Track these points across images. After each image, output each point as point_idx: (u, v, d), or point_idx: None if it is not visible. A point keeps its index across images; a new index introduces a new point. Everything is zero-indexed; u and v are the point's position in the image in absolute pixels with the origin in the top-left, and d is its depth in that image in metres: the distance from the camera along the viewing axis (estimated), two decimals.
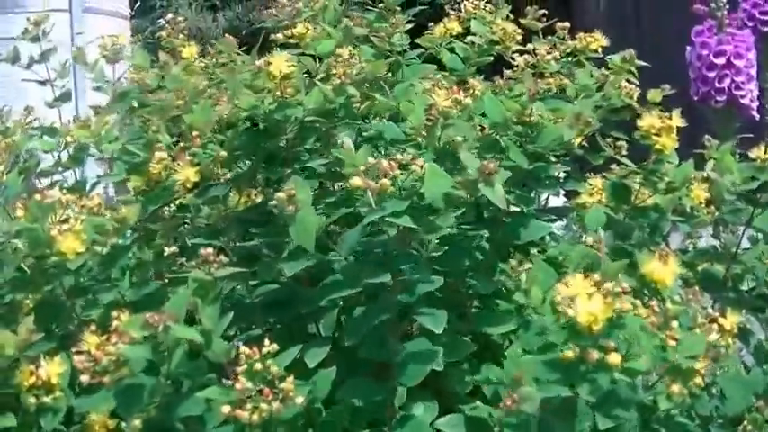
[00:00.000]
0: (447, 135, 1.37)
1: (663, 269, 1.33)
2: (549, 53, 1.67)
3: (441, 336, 1.35)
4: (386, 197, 1.24)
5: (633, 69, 1.75)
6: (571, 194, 1.81)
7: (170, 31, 1.79)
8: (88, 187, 1.77)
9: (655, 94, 1.69)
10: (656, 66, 1.89)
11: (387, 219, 1.24)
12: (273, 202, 1.24)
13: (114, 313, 1.23)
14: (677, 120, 1.51)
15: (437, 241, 1.43)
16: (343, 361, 1.38)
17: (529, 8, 1.89)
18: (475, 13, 1.84)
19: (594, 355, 1.14)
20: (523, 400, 1.14)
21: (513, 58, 1.68)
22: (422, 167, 1.27)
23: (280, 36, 1.59)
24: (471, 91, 1.52)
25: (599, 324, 1.11)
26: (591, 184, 1.69)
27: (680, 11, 2.41)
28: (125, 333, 1.20)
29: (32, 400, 1.36)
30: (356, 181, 1.25)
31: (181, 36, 1.78)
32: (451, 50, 1.82)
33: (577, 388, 1.15)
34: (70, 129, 1.74)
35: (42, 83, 2.00)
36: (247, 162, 1.53)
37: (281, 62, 1.42)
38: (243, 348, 1.18)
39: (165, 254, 1.56)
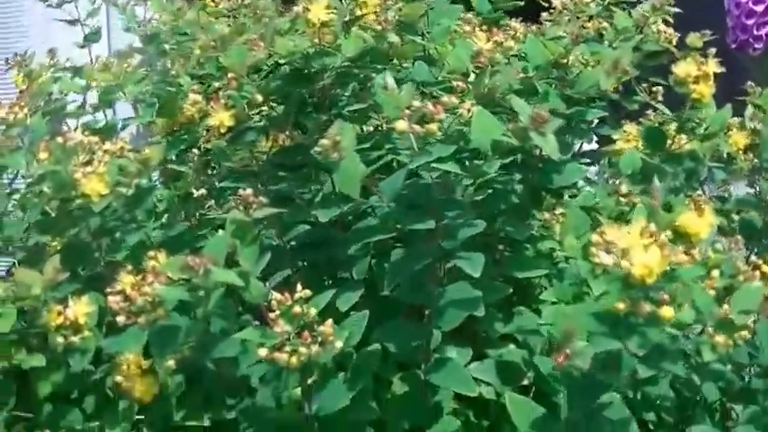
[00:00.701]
0: (493, 81, 1.33)
1: (698, 220, 1.30)
2: None
3: (476, 280, 1.32)
4: (431, 142, 1.21)
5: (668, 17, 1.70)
6: (603, 141, 1.79)
7: None
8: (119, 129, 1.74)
9: (694, 39, 1.65)
10: (691, 12, 1.85)
11: (432, 164, 1.21)
12: (317, 149, 1.20)
13: (151, 253, 1.20)
14: (714, 66, 1.47)
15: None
16: (374, 305, 1.36)
17: None
18: None
19: (647, 308, 1.11)
20: (576, 355, 1.11)
21: (548, 0, 1.64)
22: (469, 111, 1.23)
23: None
24: (513, 33, 1.47)
25: (653, 277, 1.08)
26: (626, 131, 1.65)
27: None
28: (161, 274, 1.17)
29: (60, 340, 1.35)
30: (401, 125, 1.20)
31: None
32: None
33: (626, 341, 1.12)
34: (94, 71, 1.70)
35: (72, 22, 1.95)
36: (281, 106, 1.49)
37: (319, 9, 1.38)
38: (276, 295, 1.16)
39: (195, 195, 1.52)
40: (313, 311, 1.15)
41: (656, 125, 1.57)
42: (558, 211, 1.50)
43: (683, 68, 1.46)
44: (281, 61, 1.42)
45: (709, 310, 1.12)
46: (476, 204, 1.39)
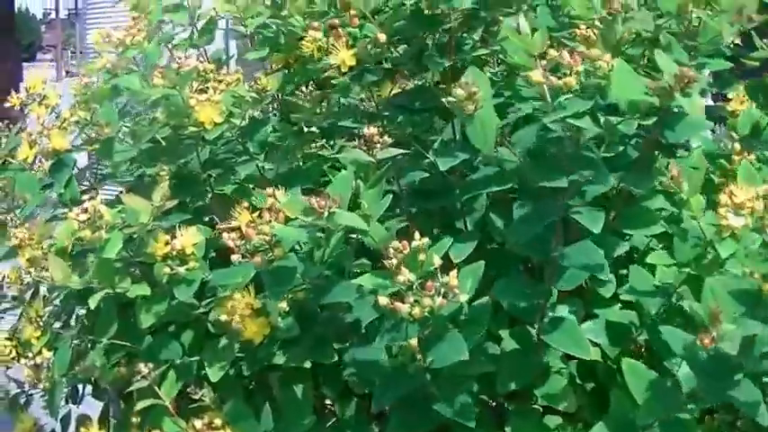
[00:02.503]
0: (627, 28, 1.26)
1: None
2: None
3: (595, 236, 1.27)
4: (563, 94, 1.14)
5: None
6: (719, 99, 1.71)
7: None
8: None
9: None
10: None
11: (567, 119, 1.14)
12: (450, 98, 1.14)
13: (269, 190, 1.16)
14: None
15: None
16: (487, 257, 1.30)
17: None
18: None
19: None
20: (723, 337, 1.05)
21: None
22: (609, 64, 1.15)
23: None
24: None
25: None
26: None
27: None
28: (279, 211, 1.13)
29: (167, 270, 1.32)
30: (536, 75, 1.14)
31: None
32: None
33: None
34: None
35: None
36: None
37: None
38: (394, 243, 1.11)
39: (307, 131, 1.48)
40: (437, 260, 1.10)
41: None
42: (674, 170, 1.43)
43: None
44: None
45: None
46: (604, 160, 1.33)
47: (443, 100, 1.16)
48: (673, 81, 1.13)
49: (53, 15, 36.90)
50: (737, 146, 1.51)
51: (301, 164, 1.48)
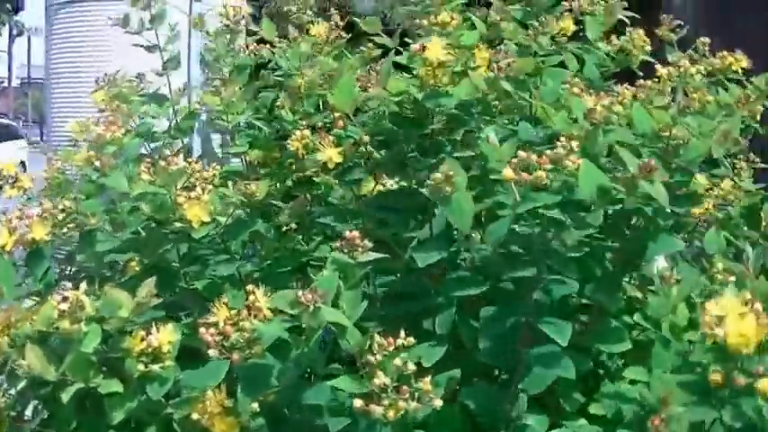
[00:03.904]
0: (607, 140, 1.31)
1: None
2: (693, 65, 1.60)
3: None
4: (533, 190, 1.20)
5: None
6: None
7: (299, 4, 1.74)
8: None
9: None
10: None
11: (539, 210, 1.21)
12: (428, 182, 1.20)
13: (249, 287, 1.17)
14: None
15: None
16: (457, 361, 1.33)
17: (664, 16, 1.83)
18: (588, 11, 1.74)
19: (741, 380, 1.08)
20: (672, 419, 1.08)
21: (655, 68, 1.62)
22: (575, 163, 1.22)
23: (424, 22, 1.52)
24: (620, 98, 1.45)
25: (750, 347, 1.05)
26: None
27: None
28: (260, 310, 1.15)
29: (141, 367, 1.32)
30: (508, 172, 1.20)
31: (309, 12, 1.73)
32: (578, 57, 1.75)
33: (721, 412, 1.09)
34: (200, 95, 1.70)
35: (150, 48, 1.94)
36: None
37: (437, 49, 1.36)
38: (379, 339, 1.13)
39: (285, 229, 1.51)
40: (412, 365, 1.12)
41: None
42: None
43: None
44: (393, 101, 1.40)
45: None
46: (571, 262, 1.36)
47: (423, 190, 1.20)
48: (637, 170, 1.21)
49: (5, 84, 37.80)
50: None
51: (278, 261, 1.50)
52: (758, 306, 1.08)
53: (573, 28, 1.74)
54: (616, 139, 1.32)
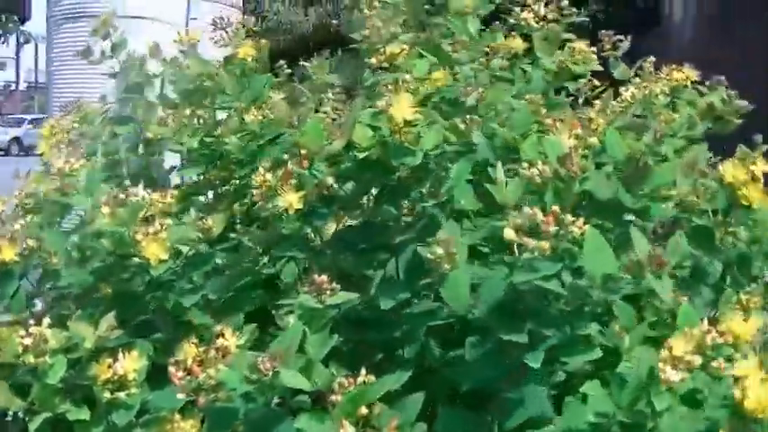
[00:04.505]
0: (582, 187, 1.31)
1: (743, 324, 1.22)
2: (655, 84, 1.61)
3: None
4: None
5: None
6: None
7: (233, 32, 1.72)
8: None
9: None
10: None
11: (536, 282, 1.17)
12: (429, 256, 1.18)
13: (217, 329, 1.18)
14: (764, 167, 1.40)
15: None
16: (424, 384, 1.34)
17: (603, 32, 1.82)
18: (536, 27, 1.74)
19: None
20: None
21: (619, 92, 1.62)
22: (581, 229, 1.18)
23: (373, 60, 1.52)
24: (593, 126, 1.45)
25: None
26: None
27: None
28: (226, 351, 1.15)
29: (107, 394, 1.33)
30: (510, 234, 1.16)
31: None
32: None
33: None
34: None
35: (113, 76, 1.93)
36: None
37: (404, 107, 1.32)
38: (341, 380, 1.14)
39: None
40: (378, 409, 1.13)
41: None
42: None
43: (731, 172, 1.40)
44: (360, 151, 1.37)
45: None
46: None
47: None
48: (646, 261, 1.17)
49: (13, 87, 40.38)
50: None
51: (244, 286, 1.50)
52: None
53: (523, 46, 1.74)
54: (590, 187, 1.32)
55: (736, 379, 1.06)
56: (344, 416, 1.12)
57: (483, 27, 1.74)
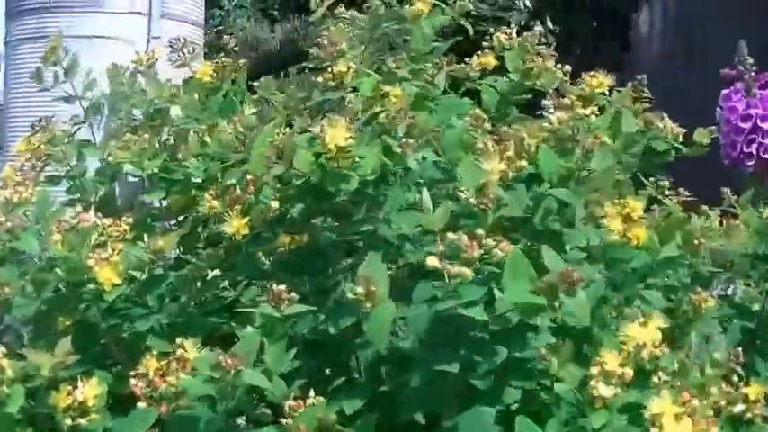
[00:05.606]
0: (501, 214, 1.32)
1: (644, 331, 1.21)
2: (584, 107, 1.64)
3: None
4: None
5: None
6: None
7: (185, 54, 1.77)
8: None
9: (701, 135, 1.67)
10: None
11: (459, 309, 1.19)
12: (349, 295, 1.20)
13: (178, 340, 1.21)
14: (638, 209, 1.40)
15: None
16: (381, 405, 1.37)
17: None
18: (508, 47, 1.78)
19: None
20: None
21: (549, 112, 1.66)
22: (503, 252, 1.20)
23: (320, 79, 1.54)
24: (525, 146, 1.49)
25: None
26: None
27: None
28: (187, 362, 1.18)
29: (68, 422, 1.33)
30: (432, 261, 1.18)
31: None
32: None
33: None
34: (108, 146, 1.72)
35: (68, 99, 1.96)
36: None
37: (339, 133, 1.34)
38: (290, 402, 1.17)
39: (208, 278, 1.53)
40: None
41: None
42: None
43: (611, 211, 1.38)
44: (298, 177, 1.39)
45: None
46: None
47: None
48: (558, 278, 1.16)
49: None
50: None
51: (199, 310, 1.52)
52: (695, 403, 1.08)
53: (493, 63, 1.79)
54: (508, 214, 1.34)
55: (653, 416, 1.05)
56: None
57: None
